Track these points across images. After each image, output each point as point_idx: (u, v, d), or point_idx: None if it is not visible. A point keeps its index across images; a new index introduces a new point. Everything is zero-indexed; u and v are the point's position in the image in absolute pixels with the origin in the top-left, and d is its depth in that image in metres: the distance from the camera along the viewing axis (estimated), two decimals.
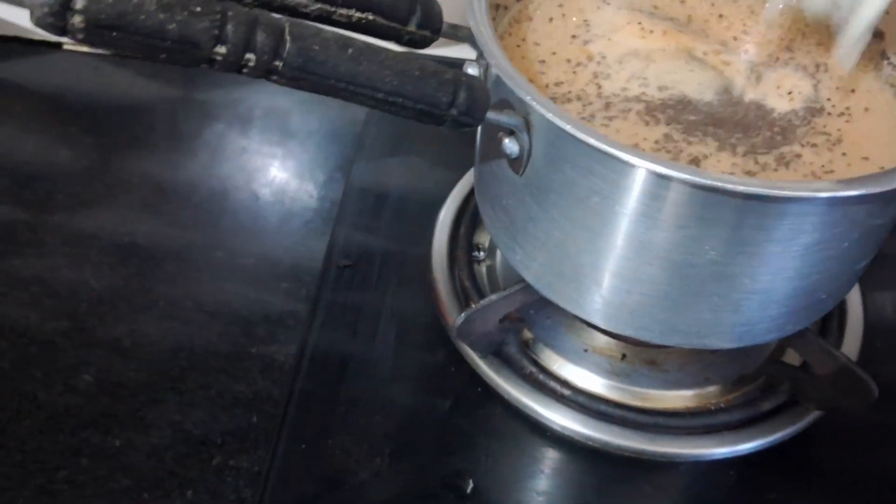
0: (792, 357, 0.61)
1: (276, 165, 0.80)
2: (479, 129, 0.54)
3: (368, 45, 0.40)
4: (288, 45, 0.37)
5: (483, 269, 0.66)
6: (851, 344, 0.61)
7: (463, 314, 0.55)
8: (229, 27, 0.36)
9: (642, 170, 0.42)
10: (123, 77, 0.87)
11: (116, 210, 0.74)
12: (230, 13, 0.36)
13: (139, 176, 0.77)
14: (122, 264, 0.69)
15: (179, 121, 0.83)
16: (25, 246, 0.70)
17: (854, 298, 0.65)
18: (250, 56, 0.36)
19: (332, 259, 0.66)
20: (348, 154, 0.78)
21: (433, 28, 0.49)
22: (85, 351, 0.63)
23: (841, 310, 0.63)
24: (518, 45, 0.56)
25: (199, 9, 0.35)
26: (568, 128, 0.42)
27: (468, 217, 0.68)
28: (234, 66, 0.36)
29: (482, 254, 0.67)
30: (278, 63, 0.37)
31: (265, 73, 0.37)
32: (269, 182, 0.78)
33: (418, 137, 0.77)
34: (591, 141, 0.42)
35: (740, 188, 0.40)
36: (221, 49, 0.36)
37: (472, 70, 0.50)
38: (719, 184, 0.40)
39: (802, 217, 0.43)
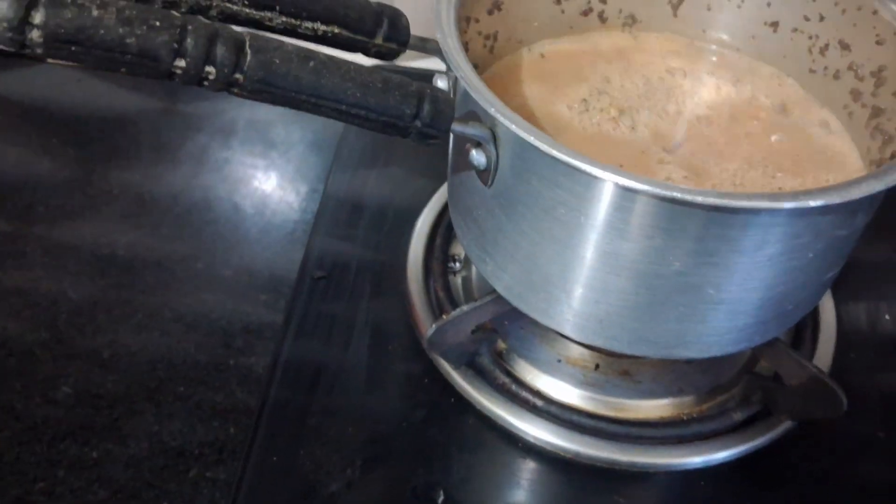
0: (766, 367, 0.61)
1: (258, 177, 0.80)
2: (451, 141, 0.54)
3: (331, 58, 0.40)
4: (248, 58, 0.37)
5: (458, 279, 0.66)
6: (824, 354, 0.62)
7: (434, 325, 0.55)
8: (189, 41, 0.36)
9: (605, 182, 0.42)
10: (106, 89, 0.87)
11: (97, 221, 0.74)
12: (190, 27, 0.36)
13: (120, 187, 0.77)
14: (102, 275, 0.70)
15: (162, 132, 0.84)
16: (6, 257, 0.71)
17: (827, 308, 0.65)
18: (210, 69, 0.37)
19: (306, 270, 0.66)
20: (331, 165, 0.78)
21: (400, 41, 0.49)
22: (64, 362, 0.63)
23: (814, 320, 0.64)
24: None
25: (158, 23, 0.35)
26: (531, 139, 0.42)
27: (444, 228, 0.68)
28: (195, 79, 0.37)
29: (458, 264, 0.67)
30: (239, 76, 0.37)
31: (226, 85, 0.37)
32: (250, 193, 0.78)
33: (397, 148, 0.77)
34: (555, 153, 0.42)
35: (699, 199, 0.40)
36: (181, 62, 0.36)
37: (441, 82, 0.51)
38: (679, 195, 0.40)
39: (765, 228, 0.43)
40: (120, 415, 0.60)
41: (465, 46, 0.56)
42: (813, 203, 0.40)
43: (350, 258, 0.68)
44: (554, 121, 0.57)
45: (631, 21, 0.65)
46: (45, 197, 0.76)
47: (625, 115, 0.58)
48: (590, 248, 0.47)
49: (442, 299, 0.63)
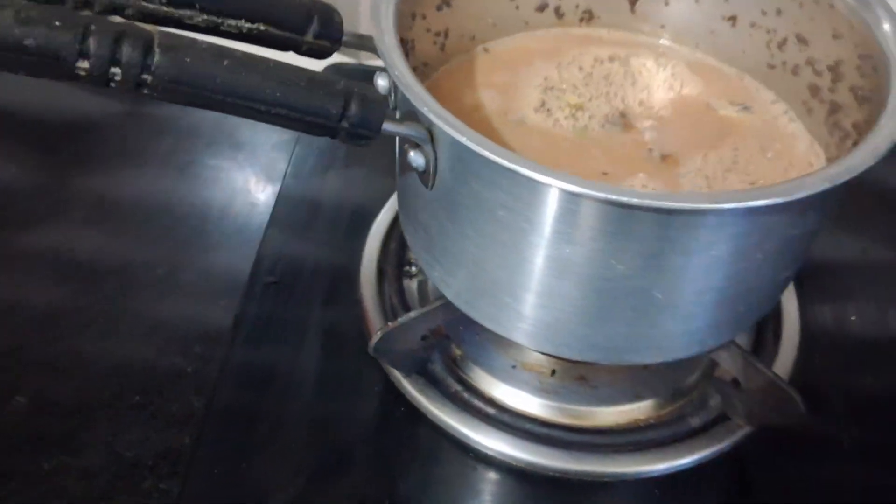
0: (727, 371, 0.59)
1: (222, 179, 0.78)
2: (397, 143, 0.52)
3: (249, 56, 0.39)
4: (157, 57, 0.36)
5: (414, 284, 0.64)
6: (786, 358, 0.60)
7: (379, 332, 0.54)
8: (92, 41, 0.34)
9: (542, 184, 0.41)
10: (69, 92, 0.85)
11: (58, 227, 0.73)
12: (94, 27, 0.34)
13: (83, 192, 0.76)
14: (62, 282, 0.68)
15: (126, 135, 0.82)
16: None
17: (791, 310, 0.63)
18: (116, 70, 0.35)
19: (257, 276, 0.65)
20: (286, 167, 0.76)
21: (333, 37, 0.47)
22: (20, 371, 0.62)
23: (777, 322, 0.62)
24: None
25: (59, 23, 0.34)
26: (464, 140, 0.41)
27: (400, 231, 0.66)
28: (101, 80, 0.35)
29: (413, 268, 0.65)
30: (147, 76, 0.36)
31: (135, 86, 0.36)
32: (215, 196, 0.76)
33: (356, 148, 0.76)
34: (489, 155, 0.40)
35: (635, 201, 0.38)
36: (84, 63, 0.35)
37: (382, 80, 0.49)
38: (613, 196, 0.38)
39: (710, 229, 0.42)
40: (75, 425, 0.59)
41: (412, 44, 0.55)
42: (754, 203, 0.39)
43: (304, 262, 0.67)
44: (513, 121, 0.56)
45: (588, 17, 0.63)
46: (6, 203, 0.74)
47: (582, 112, 0.57)
48: (533, 252, 0.45)
49: (395, 305, 0.62)
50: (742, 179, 0.51)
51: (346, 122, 0.41)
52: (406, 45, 0.54)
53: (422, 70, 0.58)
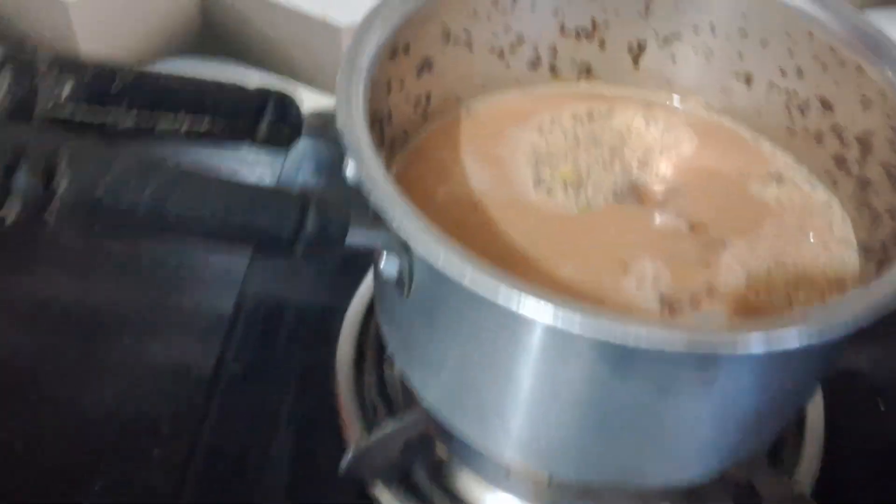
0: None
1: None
2: None
3: (183, 172, 0.32)
4: (65, 183, 0.29)
5: (397, 374, 0.58)
6: (809, 462, 0.53)
7: (351, 453, 0.47)
8: None
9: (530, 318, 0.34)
10: None
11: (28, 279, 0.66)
12: None
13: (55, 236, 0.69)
14: (16, 354, 0.62)
15: None
16: None
17: (815, 404, 0.56)
18: (7, 210, 0.28)
19: (224, 362, 0.59)
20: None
21: (292, 123, 0.41)
22: None
23: (799, 425, 0.55)
24: None
25: None
26: (440, 264, 0.34)
27: None
28: None
29: None
30: (51, 210, 0.29)
31: (35, 222, 0.29)
32: (195, 247, 0.70)
33: None
34: (467, 284, 0.34)
35: (643, 344, 0.32)
36: None
37: (351, 171, 0.42)
38: (617, 339, 0.32)
39: (729, 365, 0.36)
40: None
41: (388, 114, 0.48)
42: (790, 345, 0.32)
43: (275, 349, 0.61)
44: (507, 200, 0.49)
45: (586, 73, 0.57)
46: None
47: (582, 185, 0.50)
48: (522, 375, 0.39)
49: (375, 400, 0.55)
50: (789, 283, 0.44)
51: (303, 237, 0.35)
52: (382, 119, 0.47)
53: (401, 138, 0.52)
